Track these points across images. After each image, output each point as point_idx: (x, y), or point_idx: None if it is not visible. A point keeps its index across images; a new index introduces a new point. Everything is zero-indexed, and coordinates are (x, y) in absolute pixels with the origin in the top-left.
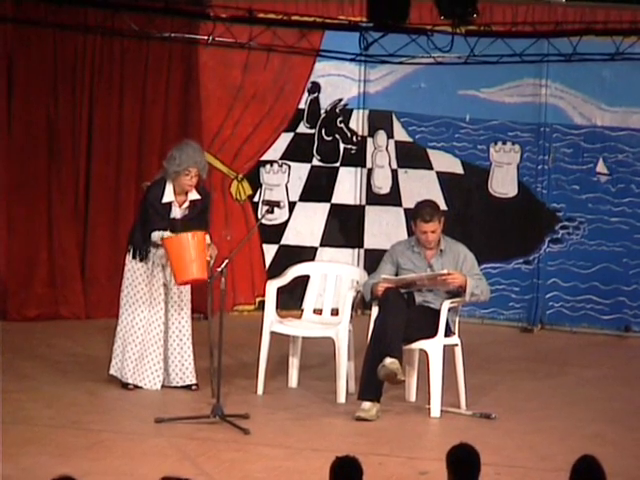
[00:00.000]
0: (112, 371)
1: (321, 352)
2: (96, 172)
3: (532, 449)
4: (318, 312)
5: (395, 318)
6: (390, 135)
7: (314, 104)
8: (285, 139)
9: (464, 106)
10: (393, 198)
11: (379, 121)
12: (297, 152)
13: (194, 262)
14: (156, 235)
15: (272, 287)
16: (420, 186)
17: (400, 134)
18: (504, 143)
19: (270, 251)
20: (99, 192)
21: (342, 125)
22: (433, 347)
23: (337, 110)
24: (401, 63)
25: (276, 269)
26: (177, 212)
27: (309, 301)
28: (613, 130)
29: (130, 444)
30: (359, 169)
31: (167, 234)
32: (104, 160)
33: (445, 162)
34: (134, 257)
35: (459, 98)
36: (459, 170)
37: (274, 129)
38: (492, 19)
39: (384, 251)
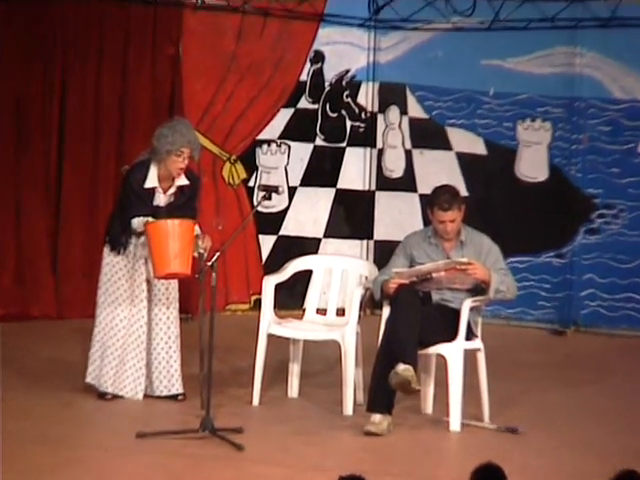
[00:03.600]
0: (88, 379)
1: (325, 357)
2: (70, 153)
3: (564, 467)
4: (322, 312)
5: (409, 319)
6: (403, 111)
7: (317, 76)
8: (284, 116)
9: (487, 78)
10: (407, 183)
11: (391, 95)
12: (298, 130)
13: (178, 253)
14: (137, 222)
15: (269, 284)
16: (437, 169)
17: (415, 110)
18: (533, 120)
19: (267, 243)
20: (73, 175)
21: (349, 100)
22: (452, 352)
23: (343, 83)
24: (416, 29)
25: (274, 263)
26: (161, 199)
27: (311, 299)
28: None
29: (108, 462)
30: (368, 150)
31: (150, 220)
32: (79, 139)
33: (466, 141)
34: (113, 249)
35: (482, 69)
36: (482, 151)
37: (272, 104)
38: None
39: (396, 243)
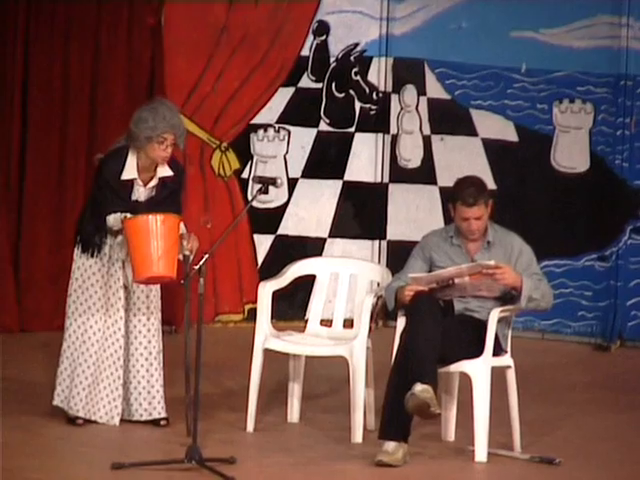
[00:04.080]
0: (56, 401)
1: (331, 376)
2: (34, 141)
3: None
4: (327, 323)
5: (428, 331)
6: (421, 91)
7: (321, 50)
8: (283, 96)
9: (519, 52)
10: (425, 174)
11: (407, 72)
12: (299, 113)
13: (162, 254)
14: (113, 218)
15: (266, 291)
16: (461, 158)
17: (434, 89)
18: (572, 101)
19: (264, 243)
20: (37, 167)
21: (358, 78)
22: (478, 370)
23: (352, 58)
24: None
25: (271, 267)
26: (141, 193)
27: (315, 309)
28: None
29: None
30: (380, 136)
31: (129, 216)
32: (44, 126)
33: (494, 126)
34: (85, 251)
35: (512, 42)
36: (512, 137)
37: (269, 83)
38: None
39: (413, 244)
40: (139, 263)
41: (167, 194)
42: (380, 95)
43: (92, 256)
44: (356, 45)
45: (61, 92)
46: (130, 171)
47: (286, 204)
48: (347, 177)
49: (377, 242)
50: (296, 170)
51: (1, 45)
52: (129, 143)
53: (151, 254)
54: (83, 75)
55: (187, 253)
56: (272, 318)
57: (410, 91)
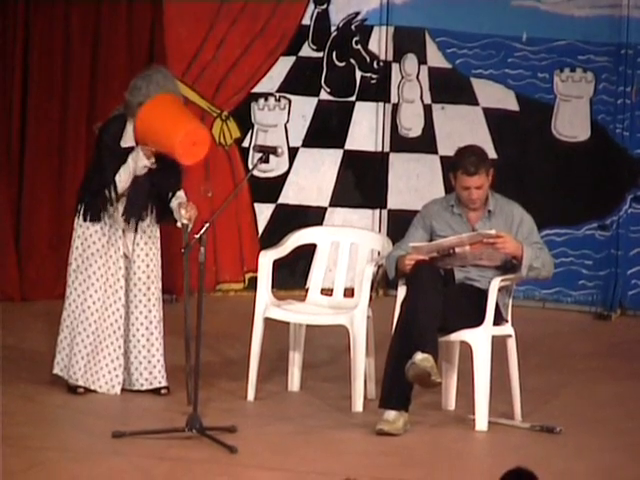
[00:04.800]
0: (56, 370)
1: (331, 345)
2: (34, 108)
3: (610, 473)
4: (327, 292)
5: (428, 301)
6: (422, 60)
7: (322, 19)
8: (284, 65)
9: (520, 21)
10: (426, 143)
11: (408, 41)
12: (300, 82)
13: (183, 113)
14: (134, 158)
15: (267, 260)
16: (462, 127)
17: (435, 58)
18: (573, 70)
19: (264, 212)
20: (38, 136)
21: (359, 47)
22: (478, 339)
23: (352, 27)
24: None
25: (272, 236)
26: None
27: (315, 278)
28: None
29: (80, 466)
30: (381, 105)
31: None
32: (45, 92)
33: (495, 95)
34: (85, 219)
35: (513, 10)
36: (513, 106)
37: (269, 52)
38: None
39: (413, 213)
40: (172, 128)
41: (167, 162)
42: (381, 64)
43: (98, 221)
44: (357, 14)
45: (62, 60)
46: (129, 139)
47: (287, 173)
48: (348, 146)
49: (378, 211)
50: (297, 139)
51: (1, 13)
52: (126, 112)
53: (184, 115)
54: (84, 43)
55: (186, 222)
56: (273, 287)
57: (411, 60)
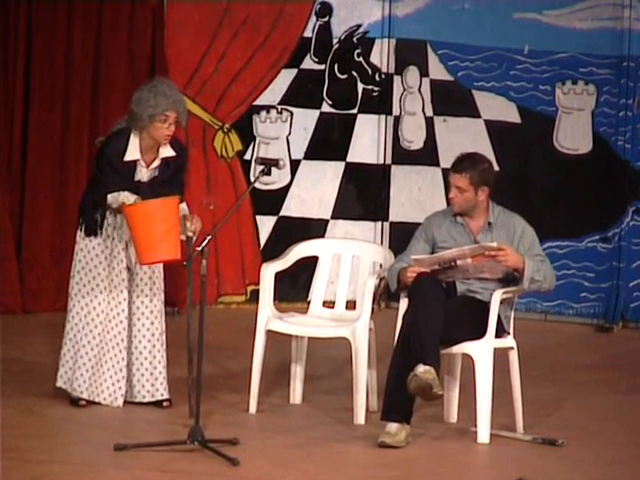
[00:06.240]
0: (59, 382)
1: (333, 357)
2: (36, 120)
3: None
4: (329, 305)
5: (430, 313)
6: (424, 72)
7: (324, 31)
8: (286, 78)
9: (521, 33)
10: (428, 155)
11: (409, 54)
12: (301, 95)
13: (163, 238)
14: (112, 197)
15: (269, 272)
16: (463, 139)
17: (437, 71)
18: (574, 82)
19: (266, 225)
20: (40, 147)
21: (361, 59)
22: (480, 351)
23: (354, 39)
24: None
25: (274, 248)
26: (144, 174)
27: (317, 290)
28: None
29: (82, 478)
30: (383, 117)
31: (130, 197)
32: (46, 105)
33: (497, 108)
34: (87, 233)
35: (515, 23)
36: (515, 118)
37: (271, 64)
38: None
39: (415, 225)
40: (142, 249)
41: (170, 174)
42: (383, 76)
43: (95, 236)
44: (359, 26)
45: (63, 72)
46: (133, 152)
47: (288, 185)
48: (349, 158)
49: (379, 223)
50: (298, 151)
51: (3, 25)
52: (131, 124)
53: (153, 239)
54: (85, 55)
55: (190, 234)
56: (274, 299)
57: (413, 72)
